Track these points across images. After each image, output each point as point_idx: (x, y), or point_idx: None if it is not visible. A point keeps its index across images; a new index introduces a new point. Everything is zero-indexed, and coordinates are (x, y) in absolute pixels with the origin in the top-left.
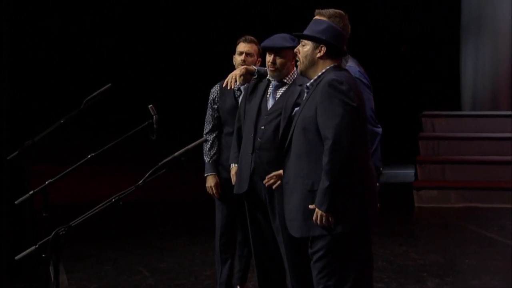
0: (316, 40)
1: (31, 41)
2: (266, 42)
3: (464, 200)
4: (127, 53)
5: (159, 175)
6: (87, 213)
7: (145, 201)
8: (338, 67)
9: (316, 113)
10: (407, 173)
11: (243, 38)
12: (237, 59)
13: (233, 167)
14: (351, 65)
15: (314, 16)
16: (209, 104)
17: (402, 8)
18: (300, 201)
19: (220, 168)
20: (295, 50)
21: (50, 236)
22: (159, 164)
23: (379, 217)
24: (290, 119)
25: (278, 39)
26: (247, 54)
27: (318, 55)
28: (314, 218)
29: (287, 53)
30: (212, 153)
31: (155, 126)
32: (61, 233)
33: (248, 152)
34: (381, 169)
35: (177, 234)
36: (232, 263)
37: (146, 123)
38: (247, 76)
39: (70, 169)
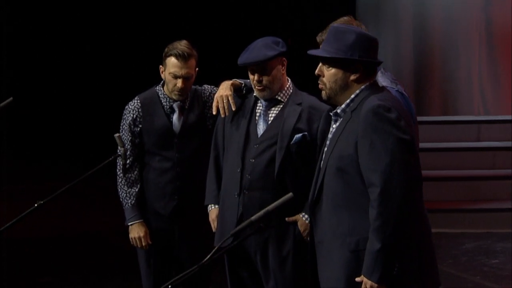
0: (348, 64)
1: None
2: (245, 58)
3: None
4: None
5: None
6: None
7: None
8: (375, 86)
9: (356, 151)
10: None
11: (175, 52)
12: (171, 81)
13: (213, 210)
14: (386, 84)
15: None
16: (126, 126)
17: None
18: (341, 265)
19: (148, 215)
20: (316, 72)
21: None
22: (230, 233)
23: (438, 276)
24: (288, 149)
25: (259, 49)
26: (186, 78)
27: (352, 78)
28: None
29: (274, 64)
30: (134, 192)
31: (122, 160)
32: None
33: (233, 192)
34: None
35: None
36: None
37: (112, 157)
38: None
39: (15, 220)
